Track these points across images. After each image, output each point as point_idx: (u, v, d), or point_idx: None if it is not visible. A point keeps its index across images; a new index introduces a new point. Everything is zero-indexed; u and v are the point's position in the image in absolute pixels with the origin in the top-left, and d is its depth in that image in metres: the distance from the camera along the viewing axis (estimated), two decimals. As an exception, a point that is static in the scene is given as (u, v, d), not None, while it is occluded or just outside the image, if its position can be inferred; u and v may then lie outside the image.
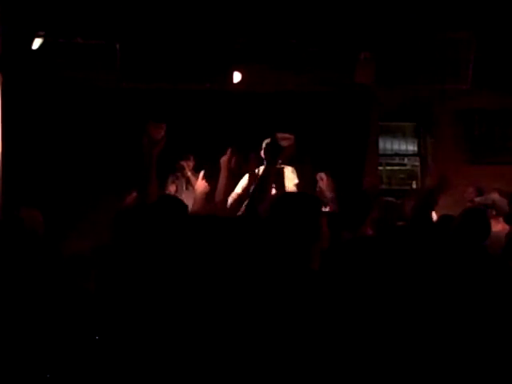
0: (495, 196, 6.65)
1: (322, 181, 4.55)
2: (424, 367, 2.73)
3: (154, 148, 3.60)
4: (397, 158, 9.77)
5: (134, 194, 4.28)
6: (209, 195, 6.41)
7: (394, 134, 9.69)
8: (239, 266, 2.61)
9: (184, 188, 7.31)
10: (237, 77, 7.95)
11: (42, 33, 7.35)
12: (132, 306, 2.64)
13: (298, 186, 6.01)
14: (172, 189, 7.20)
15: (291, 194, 3.72)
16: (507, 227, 5.30)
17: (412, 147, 9.72)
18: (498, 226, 5.13)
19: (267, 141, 6.10)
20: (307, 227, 2.55)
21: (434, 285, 3.04)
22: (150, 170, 3.57)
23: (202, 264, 2.69)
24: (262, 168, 6.29)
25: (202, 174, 6.90)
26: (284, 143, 3.30)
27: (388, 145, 9.62)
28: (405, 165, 9.84)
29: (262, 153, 6.01)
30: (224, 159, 3.96)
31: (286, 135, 3.36)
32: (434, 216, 4.97)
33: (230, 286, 2.55)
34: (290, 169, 6.16)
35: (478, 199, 6.86)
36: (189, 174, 7.30)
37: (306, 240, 2.55)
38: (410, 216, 4.08)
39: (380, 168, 9.51)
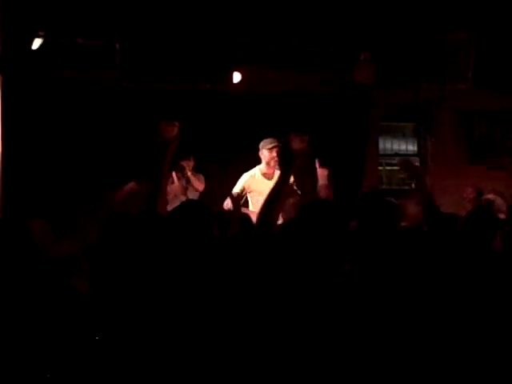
0: (492, 196, 6.67)
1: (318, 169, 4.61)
2: (429, 365, 2.74)
3: (167, 148, 3.41)
4: (397, 158, 9.76)
5: (132, 184, 4.20)
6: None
7: (394, 134, 9.69)
8: (262, 272, 2.61)
9: (184, 188, 7.31)
10: (237, 77, 7.95)
11: (41, 33, 7.35)
12: (136, 306, 2.64)
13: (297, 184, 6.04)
14: (172, 189, 7.20)
15: (320, 201, 3.55)
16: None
17: (412, 147, 9.73)
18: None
19: (276, 147, 6.14)
20: (338, 235, 2.58)
21: (442, 286, 3.04)
22: (162, 171, 3.42)
23: (216, 270, 2.69)
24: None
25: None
26: (296, 146, 3.01)
27: (388, 145, 9.62)
28: (405, 165, 9.85)
29: (273, 160, 6.06)
30: None
31: (299, 136, 3.05)
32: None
33: (253, 290, 2.56)
34: None
35: (474, 200, 6.88)
36: (189, 174, 7.31)
37: (337, 249, 2.58)
38: (419, 218, 4.06)
39: (380, 168, 9.52)
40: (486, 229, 3.64)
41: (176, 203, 5.69)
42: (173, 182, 7.22)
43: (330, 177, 4.57)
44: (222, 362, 2.48)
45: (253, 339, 2.47)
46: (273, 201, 2.85)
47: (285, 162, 2.94)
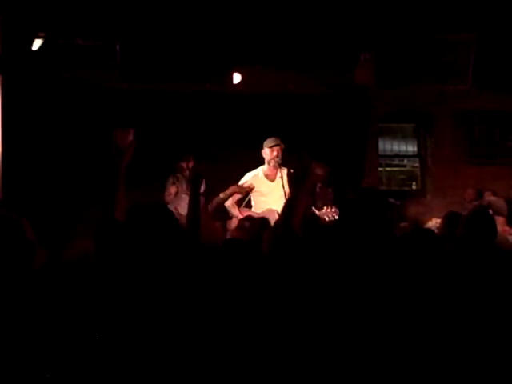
0: (491, 198, 6.67)
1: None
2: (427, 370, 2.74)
3: (122, 157, 3.33)
4: (396, 159, 9.78)
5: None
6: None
7: (393, 135, 9.70)
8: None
9: (184, 189, 7.31)
10: (237, 78, 7.96)
11: (42, 33, 7.36)
12: (135, 307, 2.64)
13: None
14: (172, 190, 7.19)
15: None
16: (506, 228, 5.31)
17: (412, 148, 9.73)
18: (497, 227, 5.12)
19: (277, 146, 6.18)
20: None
21: (443, 288, 3.04)
22: (118, 182, 3.35)
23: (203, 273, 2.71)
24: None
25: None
26: (319, 171, 3.16)
27: (388, 146, 9.62)
28: (404, 166, 9.86)
29: (274, 159, 6.11)
30: None
31: (321, 164, 3.22)
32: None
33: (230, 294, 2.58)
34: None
35: (475, 202, 6.89)
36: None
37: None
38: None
39: (380, 169, 9.52)
40: (486, 232, 3.62)
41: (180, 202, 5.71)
42: (173, 183, 7.23)
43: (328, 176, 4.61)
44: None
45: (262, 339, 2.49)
46: (289, 213, 2.94)
47: (299, 180, 3.06)
